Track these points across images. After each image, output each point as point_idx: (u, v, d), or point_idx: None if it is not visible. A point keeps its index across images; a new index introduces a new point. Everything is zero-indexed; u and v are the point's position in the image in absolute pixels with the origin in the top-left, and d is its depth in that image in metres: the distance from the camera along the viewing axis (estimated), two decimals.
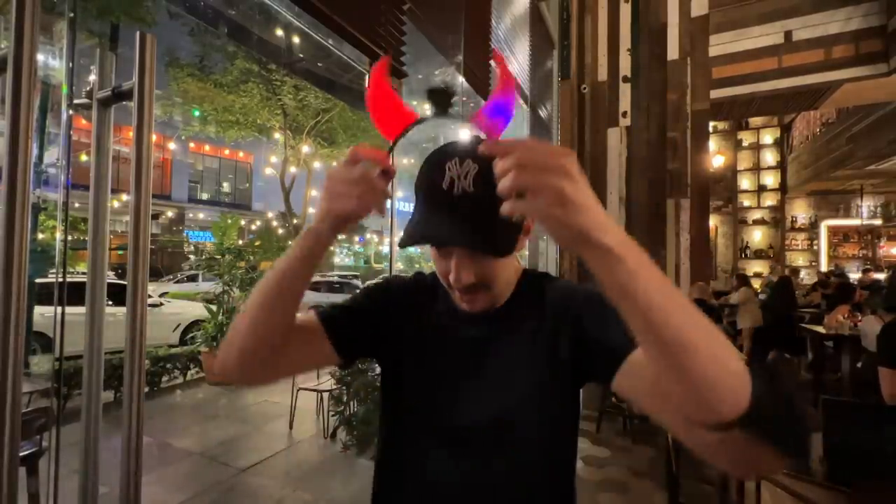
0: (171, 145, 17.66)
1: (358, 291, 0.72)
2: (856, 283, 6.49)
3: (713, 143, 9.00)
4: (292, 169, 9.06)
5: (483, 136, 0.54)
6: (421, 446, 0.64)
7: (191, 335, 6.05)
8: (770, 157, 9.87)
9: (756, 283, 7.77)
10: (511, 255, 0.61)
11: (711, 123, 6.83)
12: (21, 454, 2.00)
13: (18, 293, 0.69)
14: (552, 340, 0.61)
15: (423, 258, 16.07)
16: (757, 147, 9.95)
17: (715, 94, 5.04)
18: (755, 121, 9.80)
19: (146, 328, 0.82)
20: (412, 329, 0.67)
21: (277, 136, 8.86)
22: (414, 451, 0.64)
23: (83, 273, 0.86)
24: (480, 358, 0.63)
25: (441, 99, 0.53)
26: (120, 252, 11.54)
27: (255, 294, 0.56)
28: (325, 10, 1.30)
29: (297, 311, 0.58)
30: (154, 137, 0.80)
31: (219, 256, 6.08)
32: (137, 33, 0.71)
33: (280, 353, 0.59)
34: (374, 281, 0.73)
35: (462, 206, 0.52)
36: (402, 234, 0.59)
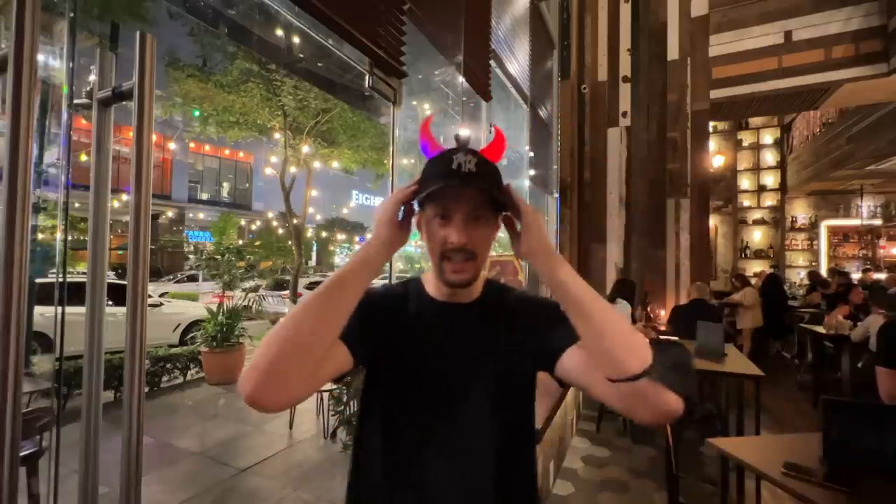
0: (172, 145, 17.66)
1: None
2: (856, 282, 6.50)
3: (713, 143, 9.00)
4: (292, 169, 9.04)
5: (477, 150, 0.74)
6: (399, 430, 0.74)
7: (191, 335, 6.05)
8: (770, 158, 9.88)
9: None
10: (492, 236, 0.75)
11: (711, 123, 6.84)
12: (21, 454, 2.00)
13: (19, 293, 0.69)
14: (514, 336, 0.76)
15: (424, 258, 16.09)
16: (757, 147, 9.95)
17: (715, 94, 5.05)
18: (755, 121, 9.80)
19: (146, 328, 0.83)
20: (392, 328, 0.76)
21: (277, 135, 8.85)
22: (391, 435, 0.74)
23: (83, 273, 0.86)
24: (453, 345, 0.76)
25: (462, 144, 0.75)
26: (120, 252, 11.55)
27: (313, 301, 0.62)
28: (325, 10, 1.30)
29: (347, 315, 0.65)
30: (154, 137, 0.80)
31: (218, 256, 6.08)
32: (137, 33, 0.71)
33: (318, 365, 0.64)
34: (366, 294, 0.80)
35: (470, 176, 0.68)
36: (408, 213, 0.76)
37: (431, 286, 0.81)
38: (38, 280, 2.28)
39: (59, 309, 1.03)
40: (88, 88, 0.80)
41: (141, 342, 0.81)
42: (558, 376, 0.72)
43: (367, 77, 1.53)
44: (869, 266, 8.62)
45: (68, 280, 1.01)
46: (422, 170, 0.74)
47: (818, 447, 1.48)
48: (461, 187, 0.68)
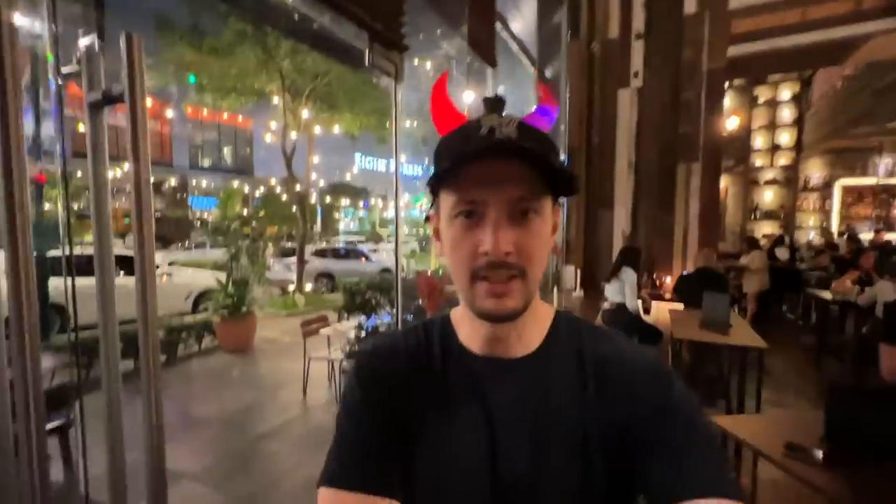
0: (169, 112, 17.35)
1: (345, 416, 0.52)
2: (866, 243, 6.42)
3: (727, 101, 8.64)
4: (293, 134, 8.87)
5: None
6: None
7: (203, 306, 6.18)
8: (787, 114, 9.48)
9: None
10: (550, 237, 0.50)
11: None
12: (52, 425, 2.11)
13: (26, 266, 0.69)
14: (595, 413, 0.48)
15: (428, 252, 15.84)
16: (773, 104, 9.55)
17: (733, 50, 4.79)
18: (772, 75, 9.36)
19: (156, 297, 0.84)
20: (417, 412, 0.51)
21: (276, 99, 8.61)
22: None
23: (91, 243, 0.86)
24: (504, 433, 0.48)
25: (495, 104, 0.51)
26: (127, 221, 11.62)
27: None
28: None
29: None
30: (150, 102, 0.78)
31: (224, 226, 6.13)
32: (123, 34, 0.67)
33: None
34: (350, 387, 0.54)
35: (511, 144, 0.44)
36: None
37: (466, 331, 0.54)
38: (51, 254, 2.31)
39: (69, 281, 1.04)
40: (77, 55, 0.76)
41: (152, 310, 0.82)
42: None
43: (366, 53, 1.46)
44: (881, 226, 8.46)
45: (81, 254, 1.02)
46: (435, 150, 0.51)
47: (819, 427, 1.47)
48: (496, 161, 0.44)
